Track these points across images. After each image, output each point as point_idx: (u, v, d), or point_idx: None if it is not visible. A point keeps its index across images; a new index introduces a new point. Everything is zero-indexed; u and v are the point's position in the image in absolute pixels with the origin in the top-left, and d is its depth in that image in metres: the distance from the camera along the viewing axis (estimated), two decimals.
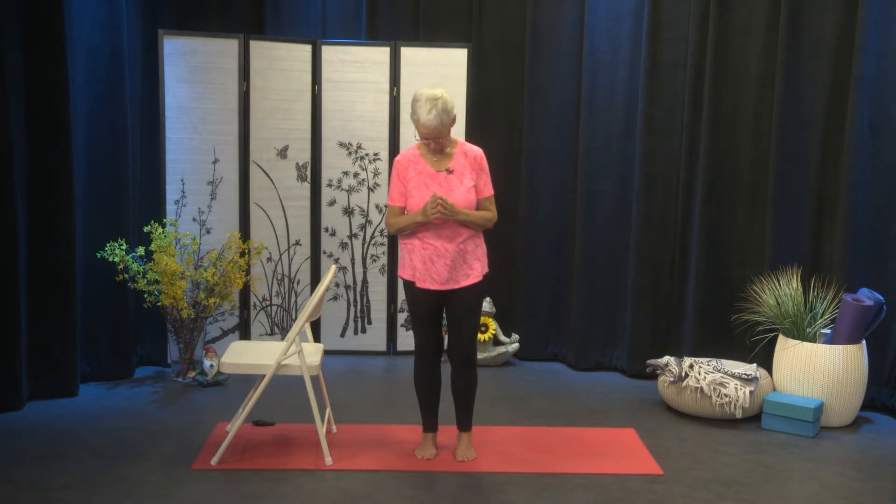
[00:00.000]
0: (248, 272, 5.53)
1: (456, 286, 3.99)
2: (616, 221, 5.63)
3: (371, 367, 5.66)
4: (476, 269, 4.02)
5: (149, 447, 4.23)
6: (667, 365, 4.89)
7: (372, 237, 5.83)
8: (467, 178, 3.98)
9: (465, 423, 4.21)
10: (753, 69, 5.23)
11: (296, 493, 3.76)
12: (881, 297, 4.70)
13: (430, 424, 4.22)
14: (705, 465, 4.17)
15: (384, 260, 5.84)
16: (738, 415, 4.68)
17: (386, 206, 4.13)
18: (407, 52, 5.69)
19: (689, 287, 5.44)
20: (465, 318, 4.04)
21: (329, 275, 4.16)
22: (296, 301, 5.84)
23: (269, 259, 5.73)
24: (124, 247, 5.12)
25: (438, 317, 4.11)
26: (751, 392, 4.68)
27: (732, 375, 4.73)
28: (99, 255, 5.11)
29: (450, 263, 3.96)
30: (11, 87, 4.61)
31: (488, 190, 4.07)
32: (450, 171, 3.98)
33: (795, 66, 5.05)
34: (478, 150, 4.06)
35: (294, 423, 4.55)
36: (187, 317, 5.23)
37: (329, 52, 5.69)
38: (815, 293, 4.93)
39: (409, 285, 4.07)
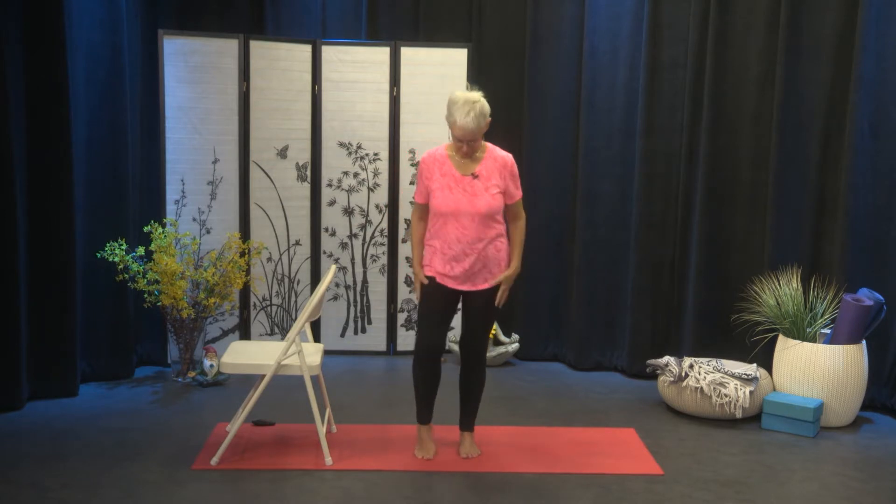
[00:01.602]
0: (248, 272, 5.53)
1: (473, 288, 4.00)
2: (616, 221, 5.63)
3: (371, 367, 5.66)
4: (496, 274, 4.02)
5: (149, 447, 4.23)
6: (667, 365, 4.89)
7: (372, 237, 5.83)
8: (493, 184, 3.97)
9: (468, 422, 4.22)
10: (753, 69, 5.23)
11: (296, 493, 3.76)
12: (881, 297, 4.70)
13: (425, 416, 4.19)
14: (705, 465, 4.17)
15: (384, 260, 5.84)
16: (738, 415, 4.68)
17: (410, 203, 4.13)
18: (407, 52, 5.69)
19: (689, 287, 5.44)
20: (481, 316, 4.06)
21: (329, 275, 4.15)
22: (296, 301, 5.84)
23: (269, 259, 5.73)
24: (124, 247, 5.12)
25: (448, 317, 4.10)
26: (751, 392, 4.68)
27: (732, 375, 4.73)
28: (99, 256, 5.11)
29: (468, 268, 3.96)
30: (11, 87, 4.61)
31: (518, 194, 4.07)
32: (475, 176, 3.97)
33: (795, 66, 5.05)
34: (508, 156, 4.06)
35: (294, 423, 4.55)
36: (187, 317, 5.23)
37: (329, 52, 5.69)
38: (815, 293, 4.93)
39: (428, 279, 4.05)
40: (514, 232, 4.10)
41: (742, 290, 5.17)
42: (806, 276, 5.02)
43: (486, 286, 4.01)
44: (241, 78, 5.51)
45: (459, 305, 4.15)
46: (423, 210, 4.08)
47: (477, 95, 3.90)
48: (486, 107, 3.90)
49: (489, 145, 4.07)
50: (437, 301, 4.04)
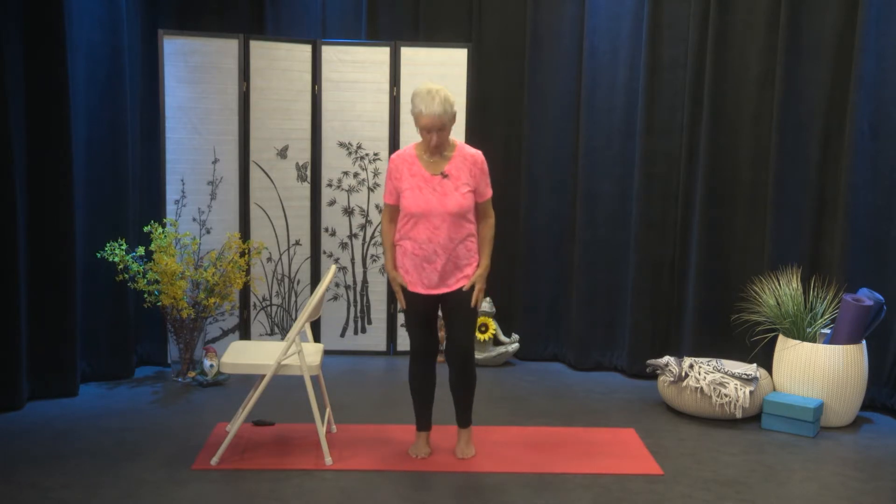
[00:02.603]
0: (248, 272, 5.53)
1: (448, 290, 3.99)
2: (616, 221, 5.63)
3: (371, 367, 5.66)
4: (468, 273, 4.00)
5: (149, 447, 4.23)
6: (667, 365, 4.89)
7: (372, 237, 5.83)
8: (463, 182, 3.94)
9: (464, 420, 4.21)
10: (753, 69, 5.23)
11: (296, 493, 3.76)
12: (881, 297, 4.70)
13: (424, 423, 4.21)
14: (705, 465, 4.17)
15: (384, 260, 5.84)
16: (738, 415, 4.68)
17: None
18: (407, 52, 5.69)
19: (689, 287, 5.44)
20: (461, 318, 4.03)
21: (329, 275, 4.15)
22: (296, 301, 5.84)
23: (269, 259, 5.73)
24: (124, 247, 5.12)
25: (432, 318, 4.10)
26: (751, 392, 4.68)
27: (732, 375, 4.73)
28: (99, 255, 5.11)
29: (440, 269, 3.94)
30: (11, 86, 4.61)
31: (488, 192, 4.05)
32: (445, 176, 3.94)
33: (795, 66, 5.05)
34: (478, 154, 4.02)
35: (294, 423, 4.55)
36: (187, 317, 5.23)
37: (329, 52, 5.69)
38: (815, 293, 4.93)
39: (401, 287, 4.06)
40: (483, 230, 4.06)
41: (742, 290, 5.17)
42: (806, 276, 5.02)
43: (459, 286, 3.99)
44: (241, 78, 5.50)
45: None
46: (394, 211, 4.05)
47: (438, 86, 3.87)
48: (451, 96, 3.86)
49: (458, 143, 4.02)
50: (416, 308, 4.03)
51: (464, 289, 3.98)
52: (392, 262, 4.06)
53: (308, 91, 5.72)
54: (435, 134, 3.86)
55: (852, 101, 4.87)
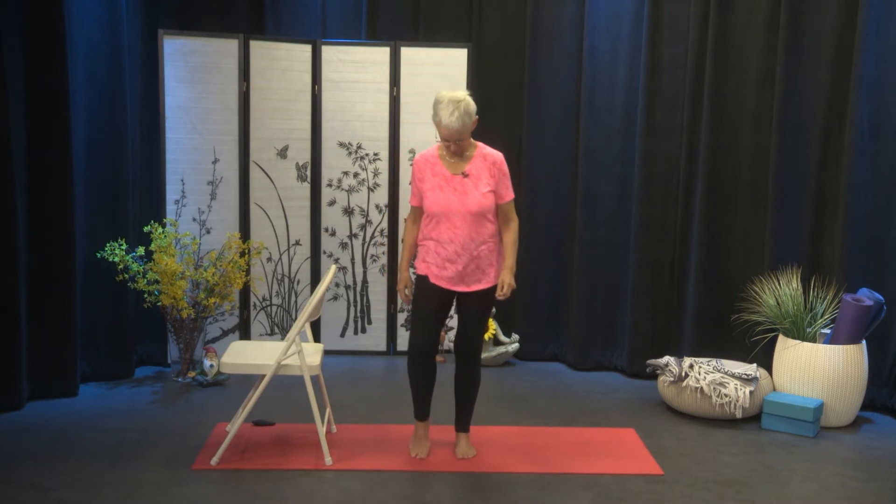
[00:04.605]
0: (248, 272, 5.53)
1: (467, 289, 4.00)
2: (616, 221, 5.63)
3: (371, 367, 5.66)
4: (490, 274, 4.01)
5: (149, 447, 4.23)
6: (667, 365, 4.89)
7: (372, 237, 5.83)
8: (483, 183, 3.96)
9: (463, 423, 4.21)
10: (753, 69, 5.23)
11: (296, 493, 3.77)
12: (881, 297, 4.70)
13: (422, 412, 4.19)
14: (705, 465, 4.17)
15: (384, 260, 5.84)
16: (738, 415, 4.68)
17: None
18: (407, 52, 5.69)
19: (689, 287, 5.44)
20: (475, 317, 4.05)
21: (329, 275, 4.15)
22: (296, 301, 5.84)
23: (269, 259, 5.73)
24: (124, 247, 5.12)
25: (442, 316, 4.09)
26: (751, 392, 4.68)
27: (732, 375, 4.73)
28: (99, 256, 5.11)
29: (461, 269, 3.96)
30: (11, 87, 4.61)
31: (509, 194, 4.06)
32: (465, 175, 3.96)
33: (795, 66, 5.05)
34: (498, 155, 4.04)
35: (294, 423, 4.55)
36: (187, 317, 5.23)
37: (329, 52, 5.69)
38: (815, 293, 4.93)
39: (422, 279, 4.05)
40: (506, 234, 4.07)
41: (742, 290, 5.17)
42: (806, 276, 5.02)
43: (479, 287, 4.00)
44: (241, 78, 5.51)
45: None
46: (418, 213, 4.08)
47: (462, 94, 3.89)
48: (472, 105, 3.89)
49: (479, 144, 4.05)
50: (432, 301, 4.03)
51: (484, 286, 4.01)
52: (407, 263, 4.09)
53: (308, 91, 5.72)
54: (453, 143, 3.92)
55: (852, 101, 4.87)
